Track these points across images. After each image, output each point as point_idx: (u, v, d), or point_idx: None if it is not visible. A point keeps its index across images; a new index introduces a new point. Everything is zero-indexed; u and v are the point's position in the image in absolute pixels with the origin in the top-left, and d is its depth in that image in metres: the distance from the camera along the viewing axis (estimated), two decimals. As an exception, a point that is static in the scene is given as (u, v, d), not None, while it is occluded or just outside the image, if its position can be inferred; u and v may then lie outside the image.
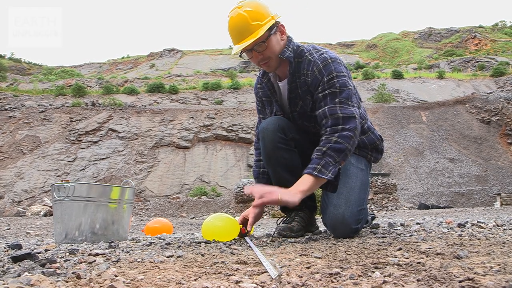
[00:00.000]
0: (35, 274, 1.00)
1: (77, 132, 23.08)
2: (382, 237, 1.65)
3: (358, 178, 1.81)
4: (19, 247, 1.73)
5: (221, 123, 24.30)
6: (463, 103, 25.09)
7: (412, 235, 1.71)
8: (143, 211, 15.43)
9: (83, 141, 22.50)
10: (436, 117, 24.40)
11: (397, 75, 34.99)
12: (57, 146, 21.99)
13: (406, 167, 20.10)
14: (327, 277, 0.88)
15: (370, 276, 0.88)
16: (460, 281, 0.79)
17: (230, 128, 23.94)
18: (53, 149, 21.70)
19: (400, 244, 1.37)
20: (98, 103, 26.90)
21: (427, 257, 1.10)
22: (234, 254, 1.32)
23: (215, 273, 0.97)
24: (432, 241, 1.47)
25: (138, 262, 1.20)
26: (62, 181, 2.01)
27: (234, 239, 1.87)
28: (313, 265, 1.03)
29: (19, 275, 1.00)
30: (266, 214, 12.20)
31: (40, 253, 1.49)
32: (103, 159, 21.21)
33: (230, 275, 0.94)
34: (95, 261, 1.23)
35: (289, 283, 0.83)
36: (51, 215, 12.56)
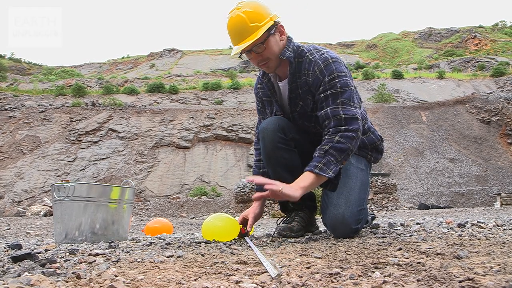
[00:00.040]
0: (35, 274, 1.00)
1: (77, 132, 23.08)
2: (382, 237, 1.65)
3: (358, 178, 1.81)
4: (19, 247, 1.73)
5: (221, 123, 24.31)
6: (463, 103, 25.10)
7: (412, 235, 1.71)
8: (143, 211, 15.43)
9: (83, 141, 22.51)
10: (436, 117, 24.41)
11: (397, 75, 35.00)
12: (57, 146, 21.99)
13: (406, 167, 20.10)
14: (327, 277, 0.88)
15: (370, 276, 0.88)
16: (460, 281, 0.79)
17: (230, 128, 23.94)
18: (53, 149, 21.70)
19: (400, 244, 1.37)
20: (98, 103, 26.90)
21: (427, 257, 1.10)
22: (234, 254, 1.32)
23: (215, 273, 0.97)
24: (432, 241, 1.47)
25: (138, 262, 1.20)
26: (62, 181, 2.01)
27: (234, 239, 1.87)
28: (313, 265, 1.03)
29: (19, 275, 1.00)
30: (266, 214, 12.20)
31: (40, 253, 1.49)
32: (103, 159, 21.21)
33: (230, 275, 0.94)
34: (95, 261, 1.23)
35: (289, 283, 0.83)
36: (51, 215, 12.56)
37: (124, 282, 0.88)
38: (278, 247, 1.50)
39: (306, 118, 1.86)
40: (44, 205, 15.10)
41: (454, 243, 1.38)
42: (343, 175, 1.74)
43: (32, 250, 1.52)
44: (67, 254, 1.44)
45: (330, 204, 1.74)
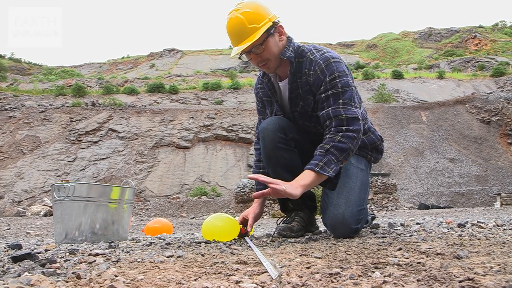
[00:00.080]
0: (35, 274, 1.00)
1: (77, 132, 23.08)
2: (382, 237, 1.65)
3: (358, 178, 1.81)
4: (19, 247, 1.73)
5: (221, 123, 24.31)
6: (463, 103, 25.10)
7: (412, 235, 1.71)
8: (143, 211, 15.43)
9: (83, 141, 22.51)
10: (436, 117, 24.40)
11: (397, 75, 34.99)
12: (57, 146, 21.99)
13: (406, 167, 20.10)
14: (327, 277, 0.88)
15: (370, 276, 0.88)
16: (460, 281, 0.79)
17: (230, 128, 23.94)
18: (53, 149, 21.70)
19: (400, 244, 1.37)
20: (98, 103, 26.90)
21: (427, 257, 1.10)
22: (234, 254, 1.32)
23: (215, 273, 0.97)
24: (432, 241, 1.47)
25: (138, 262, 1.20)
26: (62, 181, 2.01)
27: (234, 239, 1.87)
28: (313, 265, 1.03)
29: (19, 275, 1.00)
30: (266, 214, 12.20)
31: (40, 253, 1.49)
32: (103, 159, 21.21)
33: (230, 275, 0.94)
34: (95, 261, 1.23)
35: (289, 283, 0.83)
36: (51, 215, 12.56)
37: (124, 282, 0.88)
38: (278, 247, 1.50)
39: (306, 118, 1.86)
40: (44, 205, 15.10)
41: (454, 243, 1.38)
42: (343, 175, 1.74)
43: (32, 250, 1.52)
44: (67, 254, 1.44)
45: (330, 204, 1.74)
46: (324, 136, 1.68)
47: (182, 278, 0.91)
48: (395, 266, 0.99)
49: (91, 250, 1.50)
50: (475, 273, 0.85)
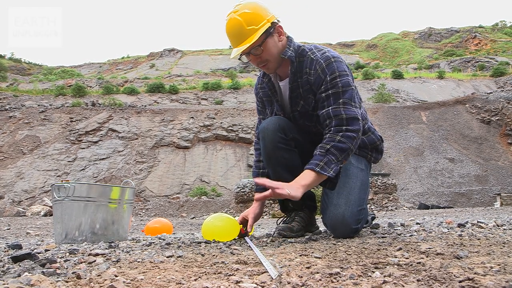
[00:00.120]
0: (35, 274, 1.00)
1: (77, 132, 23.08)
2: (382, 237, 1.65)
3: (358, 178, 1.81)
4: (19, 247, 1.73)
5: (221, 123, 24.31)
6: (463, 103, 25.10)
7: (412, 235, 1.71)
8: (143, 211, 15.44)
9: (83, 141, 22.51)
10: (436, 117, 24.41)
11: (397, 75, 34.98)
12: (57, 146, 21.99)
13: (406, 167, 20.10)
14: (327, 277, 0.88)
15: (370, 276, 0.88)
16: (460, 281, 0.79)
17: (230, 128, 23.94)
18: (53, 149, 21.70)
19: (400, 244, 1.37)
20: (98, 103, 26.90)
21: (427, 257, 1.10)
22: (234, 254, 1.32)
23: (215, 273, 0.97)
24: (432, 241, 1.47)
25: (138, 262, 1.20)
26: (62, 181, 2.01)
27: (234, 239, 1.87)
28: (313, 265, 1.03)
29: (19, 275, 1.00)
30: (266, 214, 12.20)
31: (40, 253, 1.49)
32: (103, 159, 21.21)
33: (230, 275, 0.94)
34: (95, 261, 1.23)
35: (289, 283, 0.83)
36: (51, 215, 12.56)
37: (124, 282, 0.88)
38: (278, 247, 1.50)
39: (307, 118, 1.86)
40: (44, 205, 15.10)
41: (454, 243, 1.38)
42: (343, 175, 1.74)
43: (32, 250, 1.52)
44: (67, 254, 1.44)
45: (330, 204, 1.74)
46: (324, 136, 1.68)
47: (182, 278, 0.91)
48: (395, 266, 0.99)
49: (91, 250, 1.50)
50: (475, 273, 0.85)
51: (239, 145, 23.18)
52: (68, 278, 0.96)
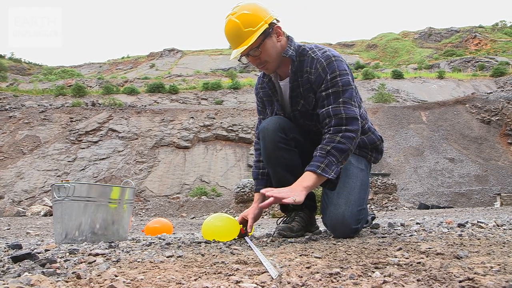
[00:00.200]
0: (35, 274, 1.00)
1: (77, 132, 23.08)
2: (382, 237, 1.65)
3: (358, 178, 1.82)
4: (19, 247, 1.73)
5: (221, 123, 24.31)
6: (463, 103, 25.10)
7: (412, 235, 1.71)
8: (143, 211, 15.44)
9: (83, 141, 22.51)
10: (436, 117, 24.40)
11: (397, 75, 34.98)
12: (57, 146, 21.99)
13: (406, 167, 20.10)
14: (327, 277, 0.88)
15: (370, 276, 0.88)
16: (460, 281, 0.79)
17: (230, 128, 23.94)
18: (53, 149, 21.70)
19: (400, 244, 1.37)
20: (98, 103, 26.90)
21: (427, 257, 1.10)
22: (234, 254, 1.32)
23: (215, 273, 0.97)
24: (432, 241, 1.47)
25: (138, 262, 1.20)
26: (62, 181, 2.01)
27: (234, 239, 1.87)
28: (313, 265, 1.03)
29: (19, 275, 1.00)
30: (266, 214, 12.20)
31: (40, 253, 1.49)
32: (103, 159, 21.21)
33: (230, 275, 0.94)
34: (95, 261, 1.23)
35: (289, 283, 0.83)
36: (51, 215, 12.56)
37: (124, 282, 0.88)
38: (278, 247, 1.50)
39: (307, 117, 1.87)
40: (44, 205, 15.10)
41: (454, 243, 1.38)
42: (343, 175, 1.75)
43: (32, 250, 1.52)
44: (67, 254, 1.44)
45: (330, 204, 1.75)
46: (323, 136, 1.69)
47: (182, 278, 0.91)
48: (395, 266, 0.99)
49: (91, 250, 1.50)
50: (475, 273, 0.85)
51: (239, 145, 23.18)
52: (68, 278, 0.96)
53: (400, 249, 1.26)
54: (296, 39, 1.85)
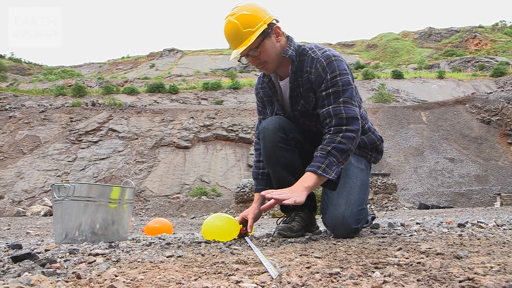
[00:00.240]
0: (35, 274, 1.00)
1: (77, 132, 23.08)
2: (382, 237, 1.65)
3: (358, 178, 1.82)
4: (19, 247, 1.73)
5: (221, 123, 24.30)
6: (463, 103, 25.09)
7: (412, 235, 1.71)
8: (143, 211, 15.44)
9: (83, 141, 22.51)
10: (436, 117, 24.40)
11: (397, 75, 34.99)
12: (57, 146, 21.99)
13: (406, 167, 20.10)
14: (327, 277, 0.88)
15: (370, 276, 0.88)
16: (460, 281, 0.79)
17: (230, 128, 23.94)
18: (53, 149, 21.70)
19: (400, 244, 1.37)
20: (98, 103, 26.90)
21: (427, 257, 1.10)
22: (234, 254, 1.32)
23: (215, 273, 0.97)
24: (432, 241, 1.47)
25: (138, 262, 1.20)
26: (62, 181, 2.01)
27: (234, 239, 1.87)
28: (313, 265, 1.03)
29: (19, 275, 1.00)
30: (266, 214, 12.20)
31: (40, 253, 1.49)
32: (103, 159, 21.21)
33: (230, 275, 0.94)
34: (95, 261, 1.23)
35: (289, 283, 0.83)
36: (51, 215, 12.56)
37: (124, 282, 0.88)
38: (278, 247, 1.50)
39: (307, 117, 1.87)
40: (44, 205, 15.10)
41: (454, 243, 1.38)
42: (343, 175, 1.75)
43: (32, 250, 1.52)
44: (67, 254, 1.44)
45: (330, 204, 1.75)
46: (324, 136, 1.69)
47: (182, 278, 0.91)
48: (395, 266, 0.99)
49: (91, 250, 1.50)
50: (475, 273, 0.85)
51: (239, 145, 23.18)
52: (68, 278, 0.96)
53: (400, 249, 1.26)
54: (296, 39, 1.86)
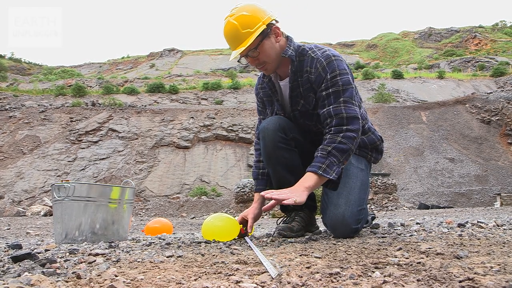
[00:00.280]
0: (35, 274, 1.00)
1: (77, 132, 23.08)
2: (382, 237, 1.65)
3: (358, 178, 1.82)
4: (19, 247, 1.73)
5: (221, 123, 24.30)
6: (463, 103, 25.09)
7: (412, 235, 1.71)
8: (143, 211, 15.44)
9: (83, 141, 22.51)
10: (436, 117, 24.40)
11: (397, 75, 34.99)
12: (57, 146, 21.99)
13: (406, 167, 20.10)
14: (327, 277, 0.88)
15: (370, 276, 0.88)
16: (460, 281, 0.79)
17: (230, 128, 23.94)
18: (53, 149, 21.70)
19: (400, 244, 1.37)
20: (98, 103, 26.90)
21: (427, 257, 1.10)
22: (234, 254, 1.32)
23: (215, 273, 0.97)
24: (432, 241, 1.47)
25: (138, 262, 1.20)
26: (62, 181, 2.01)
27: (234, 239, 1.87)
28: (313, 265, 1.03)
29: (19, 275, 1.00)
30: (266, 214, 12.20)
31: (40, 253, 1.49)
32: (103, 159, 21.21)
33: (230, 275, 0.94)
34: (95, 261, 1.23)
35: (289, 283, 0.83)
36: (51, 215, 12.56)
37: (124, 282, 0.88)
38: (278, 247, 1.50)
39: (307, 117, 1.87)
40: (44, 205, 15.10)
41: (454, 243, 1.38)
42: (343, 175, 1.75)
43: (32, 250, 1.52)
44: (67, 254, 1.44)
45: (330, 204, 1.75)
46: (324, 136, 1.69)
47: (182, 278, 0.91)
48: (395, 266, 0.99)
49: (91, 250, 1.50)
50: (475, 273, 0.85)
51: (239, 145, 23.18)
52: (68, 278, 0.96)
53: (400, 249, 1.26)
54: (296, 39, 1.86)
